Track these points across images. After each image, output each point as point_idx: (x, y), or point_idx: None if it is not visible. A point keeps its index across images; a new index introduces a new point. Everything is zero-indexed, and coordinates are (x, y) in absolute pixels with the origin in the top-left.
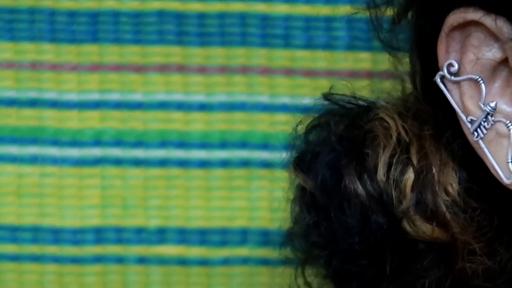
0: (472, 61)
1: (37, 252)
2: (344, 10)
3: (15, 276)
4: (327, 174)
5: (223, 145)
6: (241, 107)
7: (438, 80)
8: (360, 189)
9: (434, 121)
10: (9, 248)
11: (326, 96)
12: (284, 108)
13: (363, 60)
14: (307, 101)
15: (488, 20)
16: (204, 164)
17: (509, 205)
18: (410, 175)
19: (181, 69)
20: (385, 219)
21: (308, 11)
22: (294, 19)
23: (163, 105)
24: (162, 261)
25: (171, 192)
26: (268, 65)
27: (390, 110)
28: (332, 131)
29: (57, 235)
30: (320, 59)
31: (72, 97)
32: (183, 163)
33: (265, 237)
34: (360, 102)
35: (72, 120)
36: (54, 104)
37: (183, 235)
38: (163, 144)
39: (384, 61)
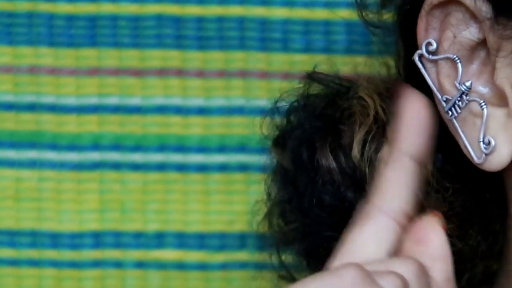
0: (450, 40)
1: (35, 257)
2: (343, 13)
3: (14, 280)
4: (302, 150)
5: (222, 149)
6: (240, 111)
7: (416, 58)
8: (333, 165)
9: None
10: (7, 253)
11: (310, 75)
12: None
13: (362, 64)
14: None
15: (468, 0)
16: (202, 168)
17: (481, 186)
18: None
19: (180, 73)
20: (357, 195)
21: (307, 15)
22: (292, 23)
23: (161, 109)
24: (161, 265)
25: (170, 196)
26: (266, 69)
27: (370, 89)
28: (312, 110)
29: (55, 239)
30: (319, 63)
31: (71, 101)
32: (181, 167)
33: (264, 242)
34: (343, 82)
35: (70, 124)
36: (53, 108)
37: (182, 239)
38: (162, 148)
39: (382, 64)
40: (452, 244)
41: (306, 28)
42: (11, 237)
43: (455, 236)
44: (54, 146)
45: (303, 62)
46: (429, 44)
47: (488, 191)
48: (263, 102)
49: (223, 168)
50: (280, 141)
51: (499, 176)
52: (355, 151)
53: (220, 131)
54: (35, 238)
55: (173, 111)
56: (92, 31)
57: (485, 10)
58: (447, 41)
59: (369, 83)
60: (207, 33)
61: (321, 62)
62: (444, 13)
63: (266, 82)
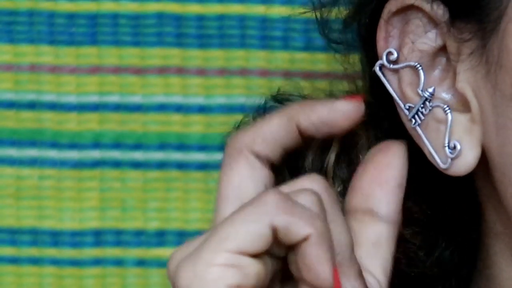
0: (410, 48)
1: (36, 255)
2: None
3: (14, 278)
4: None
5: (222, 147)
6: (240, 109)
7: (377, 69)
8: None
9: (375, 117)
10: (8, 251)
11: (275, 97)
12: None
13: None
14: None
15: (425, 4)
16: (203, 166)
17: (446, 194)
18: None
19: (180, 71)
20: None
21: (307, 13)
22: (293, 21)
23: (162, 107)
24: (161, 263)
25: (170, 195)
26: (267, 67)
27: None
28: None
29: (56, 237)
30: (320, 61)
31: (71, 99)
32: (182, 165)
33: None
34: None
35: (71, 123)
36: (53, 106)
37: (182, 237)
38: (162, 146)
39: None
40: (414, 252)
41: (307, 26)
42: (12, 235)
43: (418, 244)
44: (54, 144)
45: (303, 60)
46: (389, 53)
47: (457, 198)
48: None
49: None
50: None
51: (469, 182)
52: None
53: (220, 129)
54: (36, 236)
55: (173, 109)
56: (92, 29)
57: (441, 14)
58: (407, 49)
59: None
60: (208, 31)
61: (321, 61)
62: (402, 21)
63: (267, 80)
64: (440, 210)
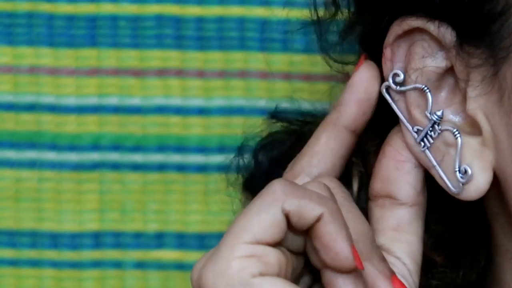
0: (417, 70)
1: (35, 257)
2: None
3: (13, 281)
4: None
5: (222, 149)
6: (240, 111)
7: (383, 91)
8: None
9: (379, 137)
10: (7, 253)
11: (273, 115)
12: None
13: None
14: (306, 105)
15: (432, 27)
16: (202, 168)
17: (463, 215)
18: (354, 190)
19: (180, 73)
20: None
21: (307, 15)
22: (292, 23)
23: (161, 110)
24: (160, 265)
25: (169, 197)
26: (266, 69)
27: None
28: (276, 154)
29: (55, 239)
30: (319, 63)
31: (71, 101)
32: (181, 168)
33: None
34: (307, 119)
35: (70, 125)
36: (53, 109)
37: (182, 240)
38: (161, 148)
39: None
40: (445, 276)
41: (306, 28)
42: (11, 238)
43: (446, 267)
44: (54, 146)
45: (303, 62)
46: (396, 75)
47: (469, 220)
48: (263, 103)
49: (223, 168)
50: (250, 185)
51: (479, 205)
52: None
53: (220, 131)
54: (35, 239)
55: (173, 112)
56: (92, 32)
57: (449, 37)
58: (414, 71)
59: None
60: (207, 33)
61: (320, 63)
62: (409, 43)
63: (266, 82)
64: (460, 231)
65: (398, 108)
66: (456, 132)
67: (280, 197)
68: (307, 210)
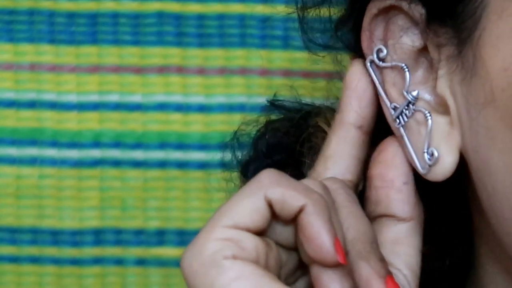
0: (393, 48)
1: (36, 254)
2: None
3: (14, 277)
4: None
5: (222, 146)
6: (240, 108)
7: (368, 65)
8: None
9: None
10: (8, 250)
11: (272, 102)
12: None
13: None
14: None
15: (404, 4)
16: (203, 165)
17: (445, 200)
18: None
19: (180, 70)
20: None
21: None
22: (293, 21)
23: (162, 107)
24: (161, 262)
25: (170, 194)
26: (267, 66)
27: (329, 117)
28: (273, 141)
29: (56, 236)
30: (319, 60)
31: (71, 98)
32: (182, 165)
33: None
34: (304, 107)
35: (71, 122)
36: (53, 106)
37: (182, 237)
38: (162, 145)
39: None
40: (431, 264)
41: (307, 25)
42: (12, 234)
43: (431, 256)
44: (54, 143)
45: (303, 59)
46: (379, 50)
47: (451, 206)
48: (264, 100)
49: (223, 165)
50: (246, 171)
51: (461, 190)
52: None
53: (220, 128)
54: (36, 235)
55: (173, 109)
56: (93, 29)
57: (419, 15)
58: (391, 48)
59: (330, 106)
60: (208, 30)
61: (320, 61)
62: (385, 21)
63: (267, 80)
64: (436, 218)
65: (379, 83)
66: (428, 113)
67: (265, 184)
68: (290, 200)
